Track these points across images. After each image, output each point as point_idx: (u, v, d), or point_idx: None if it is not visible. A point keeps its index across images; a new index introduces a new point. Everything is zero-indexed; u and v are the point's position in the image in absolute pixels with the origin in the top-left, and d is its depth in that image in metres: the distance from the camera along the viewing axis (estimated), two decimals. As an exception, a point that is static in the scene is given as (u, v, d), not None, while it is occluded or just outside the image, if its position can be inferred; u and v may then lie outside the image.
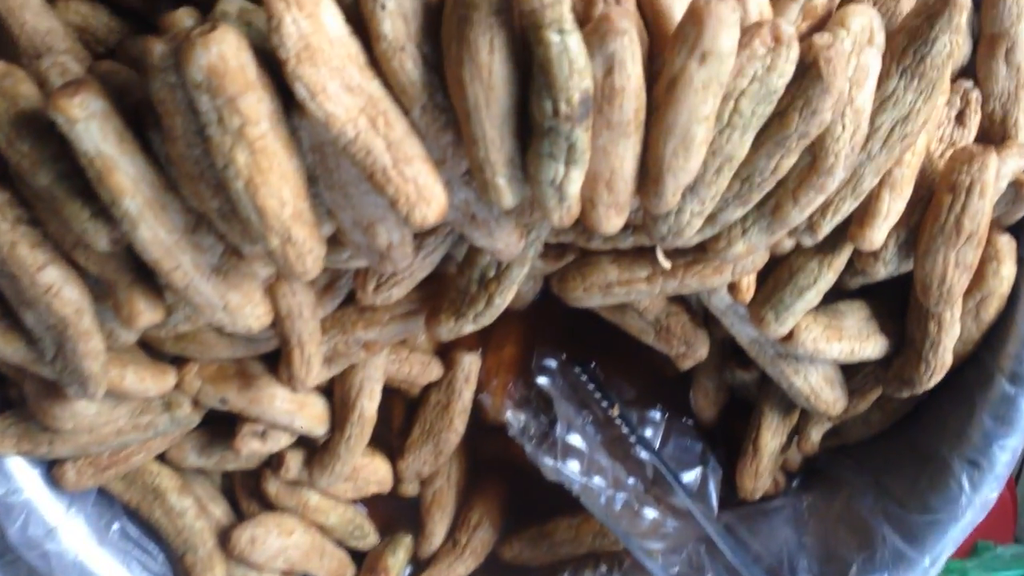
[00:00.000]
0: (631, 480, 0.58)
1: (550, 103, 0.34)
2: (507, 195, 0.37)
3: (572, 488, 0.57)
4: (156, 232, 0.39)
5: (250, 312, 0.43)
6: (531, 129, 0.35)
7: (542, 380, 0.59)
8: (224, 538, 0.57)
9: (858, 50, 0.40)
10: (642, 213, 0.42)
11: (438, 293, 0.50)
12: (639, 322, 0.54)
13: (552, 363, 0.60)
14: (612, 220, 0.38)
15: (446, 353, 0.59)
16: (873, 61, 0.40)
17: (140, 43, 0.36)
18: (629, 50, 0.34)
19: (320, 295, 0.50)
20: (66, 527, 0.53)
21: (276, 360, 0.52)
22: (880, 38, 0.40)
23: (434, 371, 0.59)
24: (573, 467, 0.56)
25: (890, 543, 0.56)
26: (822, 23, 0.41)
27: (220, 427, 0.55)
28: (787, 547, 0.60)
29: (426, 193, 0.36)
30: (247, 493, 0.59)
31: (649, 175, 0.38)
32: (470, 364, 0.59)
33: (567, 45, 0.33)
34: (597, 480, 0.56)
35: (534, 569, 0.65)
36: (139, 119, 0.39)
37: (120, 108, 0.38)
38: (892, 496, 0.57)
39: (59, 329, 0.43)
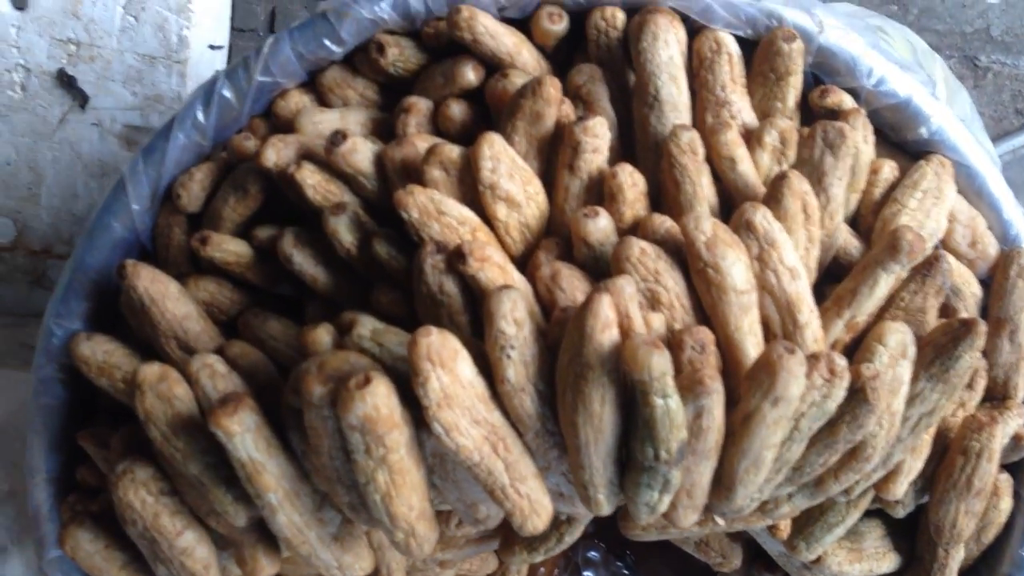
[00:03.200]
0: (666, 668, 0.64)
1: (652, 450, 0.40)
2: (605, 507, 0.43)
3: None
4: (291, 517, 0.45)
5: (358, 567, 0.49)
6: (630, 462, 0.42)
7: (588, 574, 0.65)
8: None
9: (893, 363, 0.47)
10: (706, 492, 0.48)
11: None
12: (680, 536, 0.61)
13: (595, 555, 0.66)
14: (689, 517, 0.45)
15: (498, 545, 0.65)
16: (906, 372, 0.47)
17: (298, 381, 0.41)
18: (717, 401, 0.41)
19: (404, 523, 0.56)
20: None
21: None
22: (912, 351, 0.47)
23: (490, 565, 0.64)
24: (619, 664, 0.62)
25: None
26: (863, 335, 0.48)
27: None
28: None
29: (538, 507, 0.42)
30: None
31: (722, 484, 0.44)
32: (522, 558, 0.65)
33: (669, 408, 0.39)
34: (640, 675, 0.63)
35: None
36: (276, 416, 0.45)
37: (268, 418, 0.44)
38: None
39: (188, 581, 0.48)
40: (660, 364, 0.39)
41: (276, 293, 0.52)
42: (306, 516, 0.45)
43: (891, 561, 0.60)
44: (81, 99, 0.70)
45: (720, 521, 0.53)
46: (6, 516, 0.53)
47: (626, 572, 0.66)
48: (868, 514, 0.61)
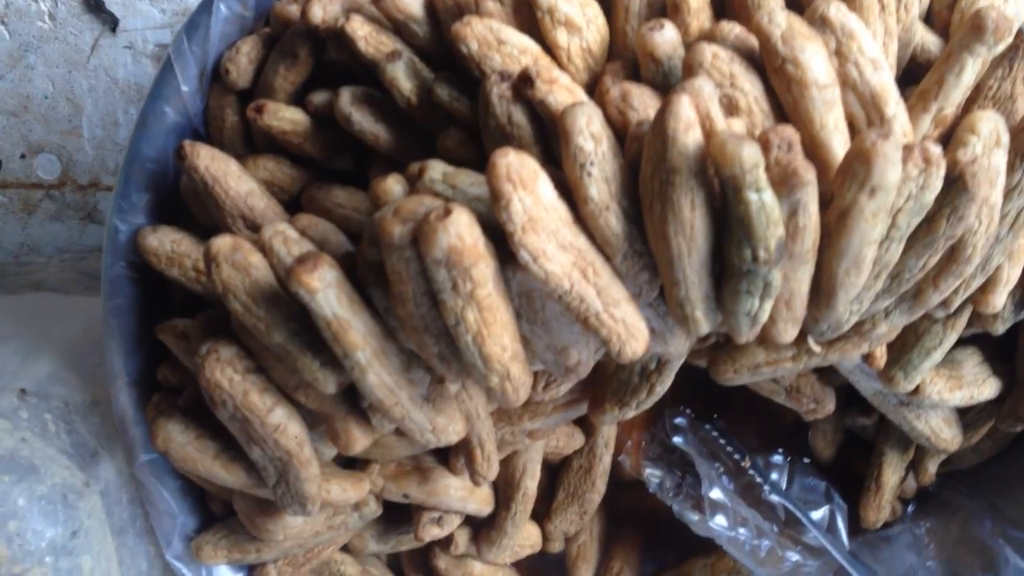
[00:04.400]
0: (767, 525, 0.63)
1: (749, 251, 0.38)
2: (703, 325, 0.41)
3: (719, 540, 0.62)
4: (380, 376, 0.44)
5: (452, 429, 0.48)
6: (727, 269, 0.40)
7: (677, 439, 0.64)
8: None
9: (988, 152, 0.45)
10: (803, 313, 0.47)
11: (597, 381, 0.55)
12: (771, 384, 0.59)
13: (682, 421, 0.65)
14: (789, 332, 0.43)
15: (584, 420, 0.64)
16: (1001, 161, 0.45)
17: (376, 224, 0.40)
18: (812, 195, 0.39)
19: (490, 394, 0.55)
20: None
21: (444, 452, 0.56)
22: (1005, 139, 0.45)
23: (577, 441, 0.63)
24: (720, 521, 0.61)
25: (1013, 564, 0.61)
26: (951, 129, 0.46)
27: (393, 514, 0.60)
28: (912, 572, 0.65)
29: (634, 331, 0.41)
30: (414, 568, 0.64)
31: (822, 291, 0.42)
32: (609, 431, 0.64)
33: (764, 202, 0.37)
34: (743, 532, 0.61)
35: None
36: (355, 275, 0.44)
37: (347, 272, 0.42)
38: (1008, 519, 0.62)
39: (283, 460, 0.48)
40: (751, 155, 0.37)
41: (334, 168, 0.50)
42: (396, 376, 0.44)
43: (991, 387, 0.58)
44: (111, 22, 0.69)
45: (816, 348, 0.51)
46: (92, 424, 0.53)
47: (715, 434, 0.64)
48: (963, 342, 0.59)
